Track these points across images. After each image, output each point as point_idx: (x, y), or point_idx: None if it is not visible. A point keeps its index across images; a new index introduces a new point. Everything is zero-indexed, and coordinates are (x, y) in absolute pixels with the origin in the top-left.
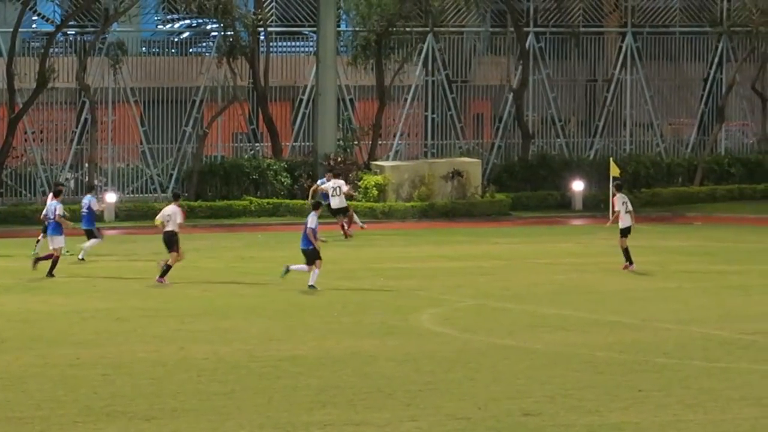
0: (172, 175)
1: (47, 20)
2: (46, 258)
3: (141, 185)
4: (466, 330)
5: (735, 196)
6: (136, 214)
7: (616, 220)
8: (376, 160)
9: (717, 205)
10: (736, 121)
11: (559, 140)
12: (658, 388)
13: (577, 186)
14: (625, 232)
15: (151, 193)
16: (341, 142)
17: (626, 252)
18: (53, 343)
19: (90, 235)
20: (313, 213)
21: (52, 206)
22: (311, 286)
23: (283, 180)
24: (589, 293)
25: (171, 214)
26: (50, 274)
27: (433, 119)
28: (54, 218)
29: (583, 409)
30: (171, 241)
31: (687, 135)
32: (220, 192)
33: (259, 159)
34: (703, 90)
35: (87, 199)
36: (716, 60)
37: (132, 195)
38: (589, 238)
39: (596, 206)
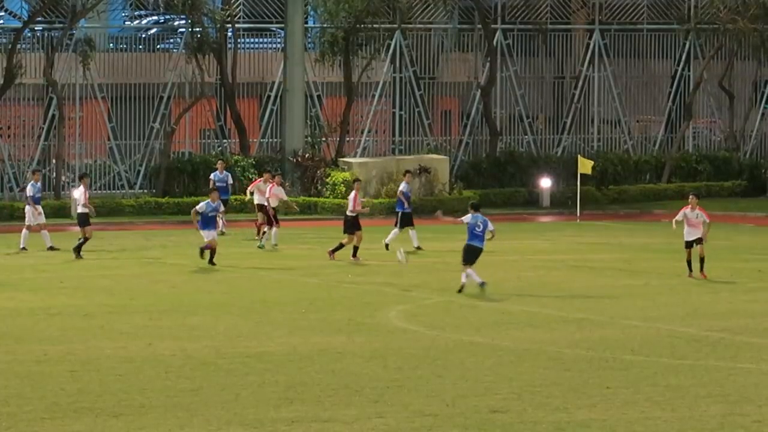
0: (139, 171)
1: (14, 16)
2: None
3: (108, 181)
4: (434, 327)
5: (702, 194)
6: (104, 211)
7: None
8: (343, 156)
9: (684, 202)
10: (703, 118)
11: (526, 137)
12: (625, 385)
13: (545, 183)
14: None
15: (118, 189)
16: (309, 138)
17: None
18: (20, 339)
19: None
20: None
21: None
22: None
23: (250, 176)
24: (556, 290)
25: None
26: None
27: (400, 116)
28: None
29: (551, 406)
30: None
31: (654, 132)
32: (187, 188)
33: (226, 155)
34: (671, 87)
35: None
36: (684, 57)
37: (100, 191)
38: (556, 235)
39: (563, 203)
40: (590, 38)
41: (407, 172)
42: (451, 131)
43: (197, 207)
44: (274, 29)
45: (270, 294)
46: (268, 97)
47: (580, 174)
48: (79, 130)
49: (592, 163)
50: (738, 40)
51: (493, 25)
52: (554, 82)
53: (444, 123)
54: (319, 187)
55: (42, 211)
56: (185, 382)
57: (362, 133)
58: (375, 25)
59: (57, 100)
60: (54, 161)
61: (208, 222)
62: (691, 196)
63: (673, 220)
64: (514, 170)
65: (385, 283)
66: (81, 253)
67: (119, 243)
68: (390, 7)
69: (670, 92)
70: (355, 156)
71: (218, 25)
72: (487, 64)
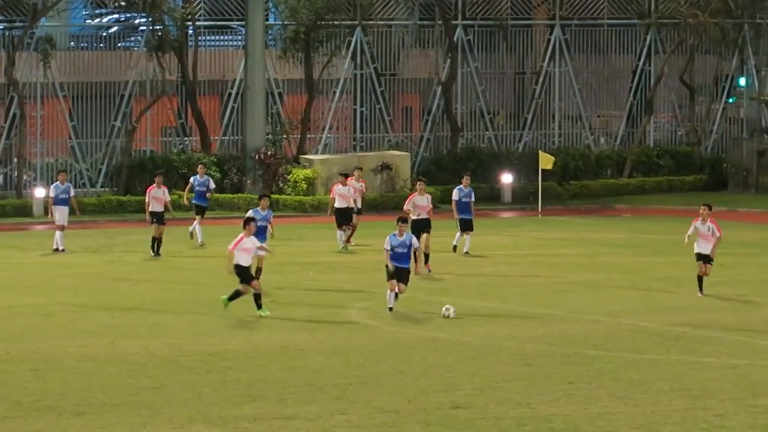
0: (101, 169)
1: None
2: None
3: (70, 180)
4: (396, 323)
5: (664, 188)
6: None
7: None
8: (305, 153)
9: (646, 197)
10: (664, 113)
11: (487, 133)
12: (587, 380)
13: (506, 179)
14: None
15: (80, 187)
16: (270, 135)
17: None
18: None
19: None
20: None
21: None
22: None
23: (212, 174)
24: (518, 286)
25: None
26: None
27: (361, 112)
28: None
29: (513, 401)
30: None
31: (616, 127)
32: (149, 186)
33: (188, 153)
34: (632, 82)
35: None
36: (645, 52)
37: None
38: (518, 230)
39: (525, 198)
40: (551, 34)
41: (466, 174)
42: (412, 127)
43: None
44: (235, 27)
45: (231, 291)
46: (229, 94)
47: (542, 169)
48: (40, 128)
49: (553, 158)
50: (699, 34)
51: (453, 21)
52: (515, 77)
53: (405, 119)
54: (281, 185)
55: (63, 212)
56: (147, 380)
57: (323, 130)
58: (336, 22)
59: (18, 98)
60: (15, 160)
61: (257, 233)
62: (702, 208)
63: (686, 236)
64: (475, 166)
65: (347, 280)
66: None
67: (81, 242)
68: (351, 4)
69: (631, 87)
70: (316, 153)
71: (179, 23)
72: (448, 61)
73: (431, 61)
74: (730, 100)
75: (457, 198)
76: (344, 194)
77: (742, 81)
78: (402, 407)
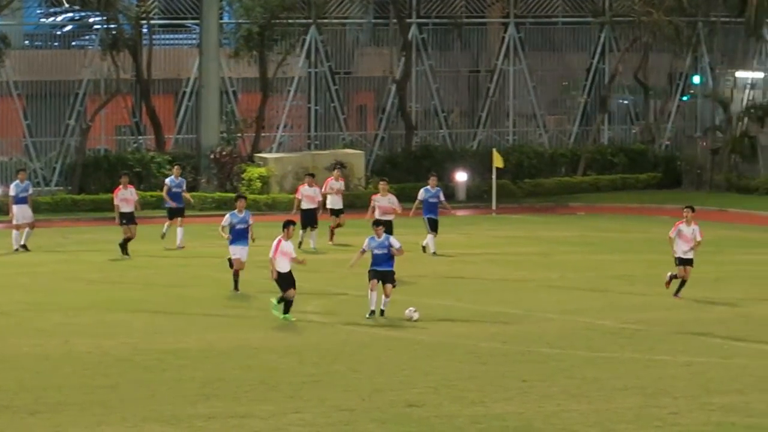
0: (55, 168)
1: None
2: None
3: None
4: (350, 322)
5: (618, 186)
6: None
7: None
8: (259, 152)
9: (600, 194)
10: (618, 111)
11: (442, 131)
12: (541, 378)
13: (461, 177)
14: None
15: (34, 186)
16: (224, 134)
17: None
18: None
19: None
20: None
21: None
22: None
23: (166, 173)
24: (472, 284)
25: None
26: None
27: (316, 111)
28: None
29: (467, 399)
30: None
31: (570, 125)
32: (103, 185)
33: (142, 152)
34: (586, 80)
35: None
36: (599, 50)
37: None
38: (472, 228)
39: (479, 197)
40: (505, 32)
41: (432, 175)
42: (367, 126)
43: (222, 221)
44: (189, 25)
45: (187, 290)
46: (184, 93)
47: (496, 167)
48: None
49: (502, 158)
50: (653, 32)
51: (408, 20)
52: (469, 76)
53: (359, 118)
54: (235, 183)
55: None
56: (102, 379)
57: (278, 128)
58: (290, 21)
59: None
60: None
61: (237, 236)
62: (685, 210)
63: (669, 238)
64: (429, 164)
65: (302, 278)
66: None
67: (35, 240)
68: (305, 3)
69: (585, 85)
70: (270, 151)
71: (133, 22)
72: (402, 59)
73: (386, 59)
74: (684, 98)
75: (423, 198)
76: (310, 195)
77: (696, 79)
78: (356, 405)
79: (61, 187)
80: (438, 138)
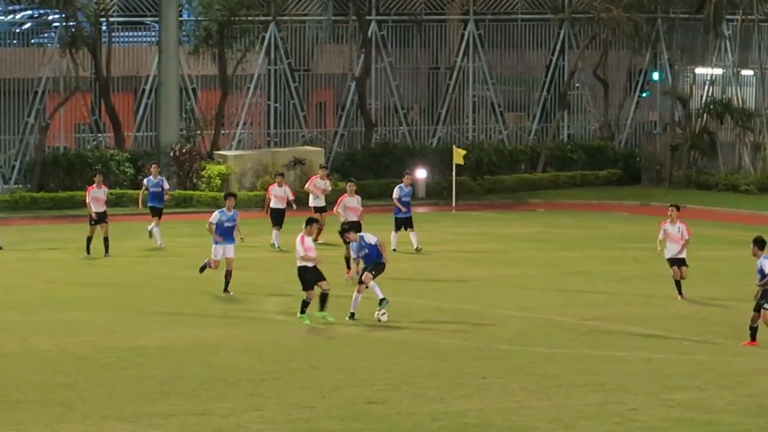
0: (14, 166)
1: None
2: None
3: None
4: (310, 318)
5: (577, 183)
6: None
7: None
8: (219, 149)
9: (559, 191)
10: (578, 107)
11: (401, 128)
12: (501, 375)
13: (421, 174)
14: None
15: None
16: (184, 132)
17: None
18: None
19: None
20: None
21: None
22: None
23: (126, 170)
24: (432, 281)
25: None
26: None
27: (275, 108)
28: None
29: (427, 396)
30: None
31: (530, 122)
32: (63, 183)
33: (102, 150)
34: (545, 76)
35: None
36: (558, 47)
37: None
38: (432, 225)
39: (439, 194)
40: (465, 29)
41: (407, 173)
42: (327, 123)
43: (210, 218)
44: (149, 23)
45: (146, 288)
46: (143, 90)
47: (455, 164)
48: None
49: (464, 152)
50: (612, 29)
51: (367, 17)
52: (429, 72)
53: (319, 115)
54: (195, 181)
55: None
56: (61, 377)
57: (237, 125)
58: (249, 18)
59: None
60: None
61: (224, 234)
62: (670, 209)
63: (657, 242)
64: (389, 161)
65: (260, 276)
66: None
67: None
68: (264, 0)
69: (544, 82)
70: (230, 149)
71: (92, 19)
72: (362, 56)
73: (345, 56)
74: (644, 95)
75: (397, 196)
76: (279, 195)
77: (656, 75)
78: (316, 403)
79: (20, 185)
80: (398, 135)
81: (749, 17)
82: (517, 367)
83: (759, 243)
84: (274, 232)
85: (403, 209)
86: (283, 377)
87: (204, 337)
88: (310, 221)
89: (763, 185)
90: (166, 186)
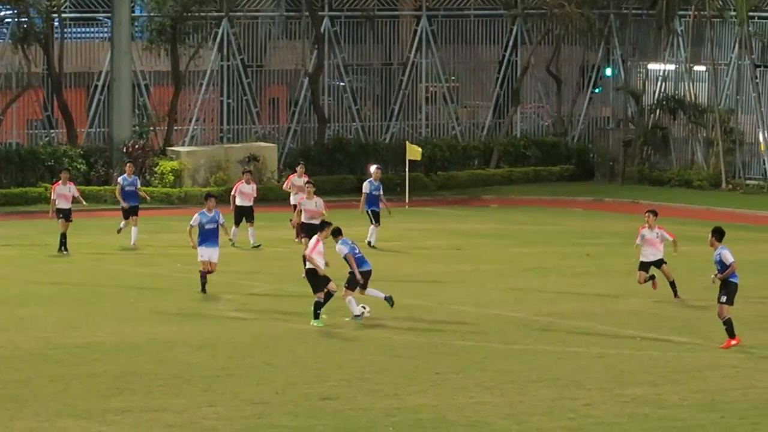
0: None
1: None
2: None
3: None
4: (263, 315)
5: (531, 179)
6: None
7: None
8: (171, 145)
9: (513, 187)
10: (531, 103)
11: (354, 124)
12: (455, 371)
13: (374, 169)
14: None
15: None
16: (137, 128)
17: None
18: None
19: None
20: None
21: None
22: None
23: (79, 166)
24: (386, 277)
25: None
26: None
27: (228, 104)
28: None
29: (381, 392)
30: None
31: (482, 118)
32: (15, 179)
33: (54, 146)
34: (498, 72)
35: None
36: (511, 42)
37: None
38: (385, 221)
39: (392, 189)
40: (418, 25)
41: (377, 168)
42: (280, 119)
43: (191, 221)
44: (101, 18)
45: (100, 284)
46: (96, 86)
47: (409, 160)
48: None
49: (420, 149)
50: (565, 24)
51: (320, 13)
52: (382, 68)
53: (272, 111)
54: (148, 177)
55: None
56: (15, 373)
57: (190, 121)
58: (202, 14)
59: None
60: None
61: (207, 237)
62: (647, 215)
63: (635, 247)
64: (342, 157)
65: (215, 272)
66: None
67: None
68: None
69: (497, 77)
70: (183, 145)
71: (44, 15)
72: (315, 52)
73: (298, 52)
74: (596, 91)
75: (367, 191)
76: (247, 192)
77: (608, 71)
78: (270, 399)
79: None
80: (350, 131)
81: (701, 13)
82: (471, 362)
83: (717, 233)
84: (234, 229)
85: (362, 208)
86: (237, 373)
87: (158, 334)
88: (323, 225)
89: (715, 181)
90: (139, 185)
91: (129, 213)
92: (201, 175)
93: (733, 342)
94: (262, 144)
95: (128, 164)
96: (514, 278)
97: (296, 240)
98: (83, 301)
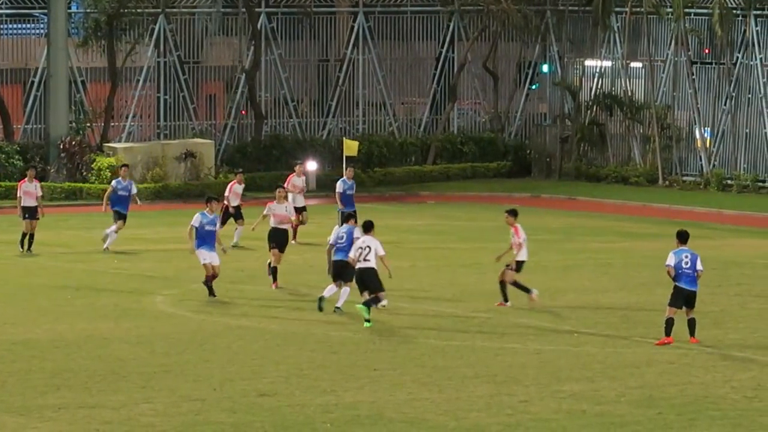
0: None
1: None
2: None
3: None
4: (201, 311)
5: (468, 175)
6: None
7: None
8: (108, 142)
9: (450, 183)
10: (468, 100)
11: (292, 120)
12: (392, 367)
13: (311, 166)
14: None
15: None
16: (73, 124)
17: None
18: None
19: None
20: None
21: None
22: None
23: (15, 163)
24: (322, 273)
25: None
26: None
27: (165, 100)
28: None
29: (319, 388)
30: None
31: (419, 114)
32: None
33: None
34: (435, 69)
35: None
36: (448, 39)
37: None
38: (323, 218)
39: (329, 186)
40: (354, 21)
41: (350, 166)
42: (216, 115)
43: (192, 221)
44: (37, 15)
45: (36, 280)
46: (32, 83)
47: (346, 156)
48: None
49: (358, 143)
50: (502, 21)
51: (257, 9)
52: (319, 65)
53: (209, 107)
54: (85, 173)
55: None
56: None
57: (127, 118)
58: (138, 10)
59: None
60: None
61: (205, 239)
62: (505, 215)
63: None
64: (279, 153)
65: (151, 268)
66: None
67: None
68: None
69: (434, 74)
70: (120, 141)
71: None
72: (252, 48)
73: (235, 48)
74: (533, 87)
75: (341, 190)
76: (239, 193)
77: (545, 68)
78: (207, 395)
79: None
80: (288, 127)
81: (638, 10)
82: (409, 359)
83: (678, 236)
84: (238, 229)
85: (341, 206)
86: (174, 370)
87: (94, 330)
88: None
89: (652, 177)
90: (134, 190)
91: (118, 218)
92: (138, 171)
93: (667, 341)
94: (199, 140)
95: (123, 168)
96: (451, 274)
97: (293, 242)
98: (19, 297)
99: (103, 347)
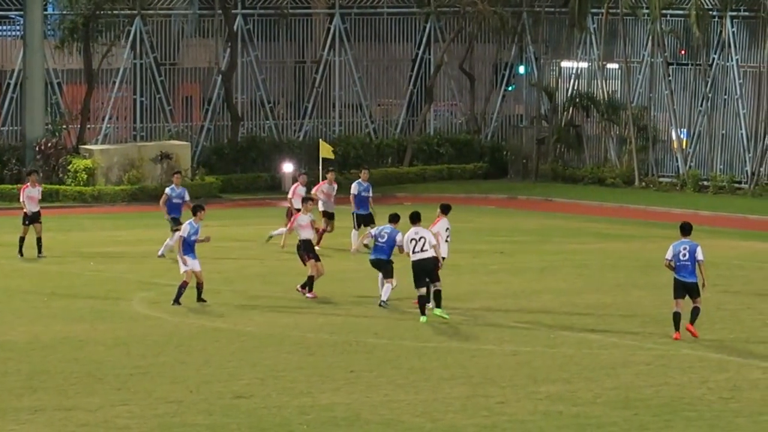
0: None
1: None
2: None
3: None
4: (177, 313)
5: (444, 176)
6: None
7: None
8: (85, 143)
9: (426, 185)
10: (444, 101)
11: (268, 122)
12: (369, 369)
13: (287, 168)
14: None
15: None
16: (50, 126)
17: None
18: None
19: None
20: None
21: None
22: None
23: None
24: (299, 275)
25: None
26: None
27: (141, 102)
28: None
29: (295, 390)
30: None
31: (396, 115)
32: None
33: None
34: (412, 70)
35: None
36: (424, 40)
37: None
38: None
39: (306, 188)
40: (331, 22)
41: (364, 168)
42: (193, 117)
43: (180, 231)
44: (13, 17)
45: (12, 282)
46: (8, 84)
47: (323, 158)
48: None
49: (332, 148)
50: (478, 22)
51: (233, 11)
52: (295, 66)
53: (185, 109)
54: (61, 175)
55: None
56: None
57: (103, 120)
58: (115, 11)
59: None
60: None
61: (191, 247)
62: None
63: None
64: (256, 155)
65: (128, 270)
66: None
67: None
68: None
69: (411, 75)
70: (96, 143)
71: None
72: (228, 50)
73: (211, 50)
74: (510, 88)
75: (356, 192)
76: (331, 193)
77: (522, 69)
78: (184, 397)
79: None
80: (264, 129)
81: (614, 11)
82: (385, 360)
83: (682, 228)
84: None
85: (355, 208)
86: (151, 372)
87: (70, 332)
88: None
89: (628, 178)
90: (187, 197)
91: (175, 225)
92: (114, 173)
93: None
94: (175, 142)
95: (176, 175)
96: None
97: (317, 248)
98: None
99: (80, 349)
